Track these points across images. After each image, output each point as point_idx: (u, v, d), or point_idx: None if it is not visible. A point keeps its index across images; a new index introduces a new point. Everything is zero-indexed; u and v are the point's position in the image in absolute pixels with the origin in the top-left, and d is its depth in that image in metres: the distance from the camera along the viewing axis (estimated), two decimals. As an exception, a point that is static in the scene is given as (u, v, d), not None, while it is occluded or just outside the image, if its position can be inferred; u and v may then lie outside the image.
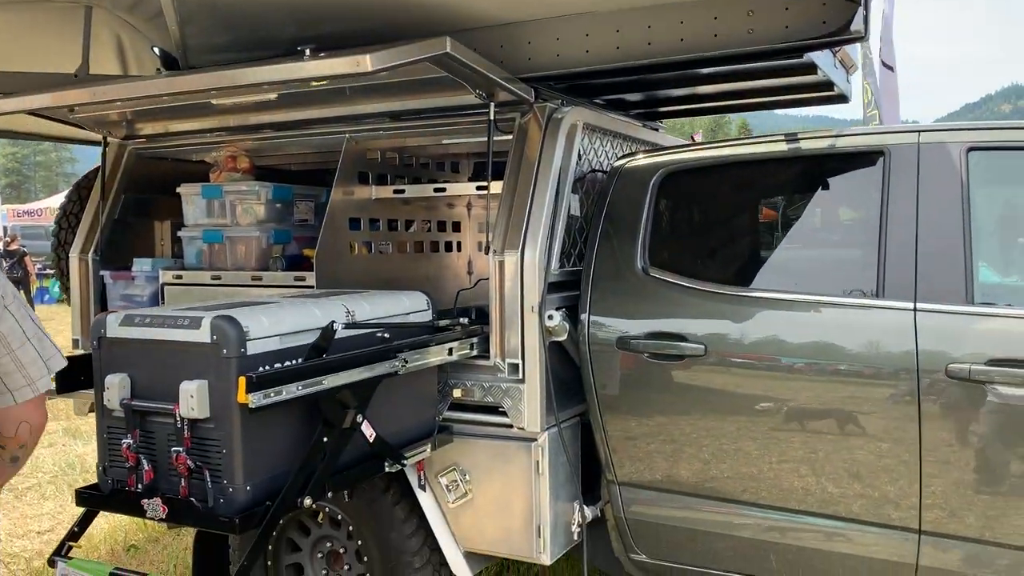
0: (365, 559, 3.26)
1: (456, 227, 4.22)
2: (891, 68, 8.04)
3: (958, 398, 2.50)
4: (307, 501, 2.40)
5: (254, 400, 2.16)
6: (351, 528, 3.28)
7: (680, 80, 3.57)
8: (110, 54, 3.76)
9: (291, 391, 2.28)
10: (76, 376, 2.55)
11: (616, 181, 3.15)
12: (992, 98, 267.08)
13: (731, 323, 2.81)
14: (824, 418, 2.68)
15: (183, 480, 2.29)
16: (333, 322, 2.46)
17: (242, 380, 2.14)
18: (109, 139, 3.94)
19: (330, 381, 2.41)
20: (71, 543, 2.46)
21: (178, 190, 3.81)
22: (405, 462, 2.78)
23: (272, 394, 2.22)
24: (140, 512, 2.33)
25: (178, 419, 2.27)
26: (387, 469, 2.74)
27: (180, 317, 2.34)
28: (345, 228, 3.54)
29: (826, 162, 2.90)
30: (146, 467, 2.34)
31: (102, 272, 3.86)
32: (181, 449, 2.28)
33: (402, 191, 3.66)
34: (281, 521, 3.42)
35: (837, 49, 3.56)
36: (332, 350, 2.52)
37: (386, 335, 2.67)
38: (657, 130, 4.36)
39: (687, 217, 3.24)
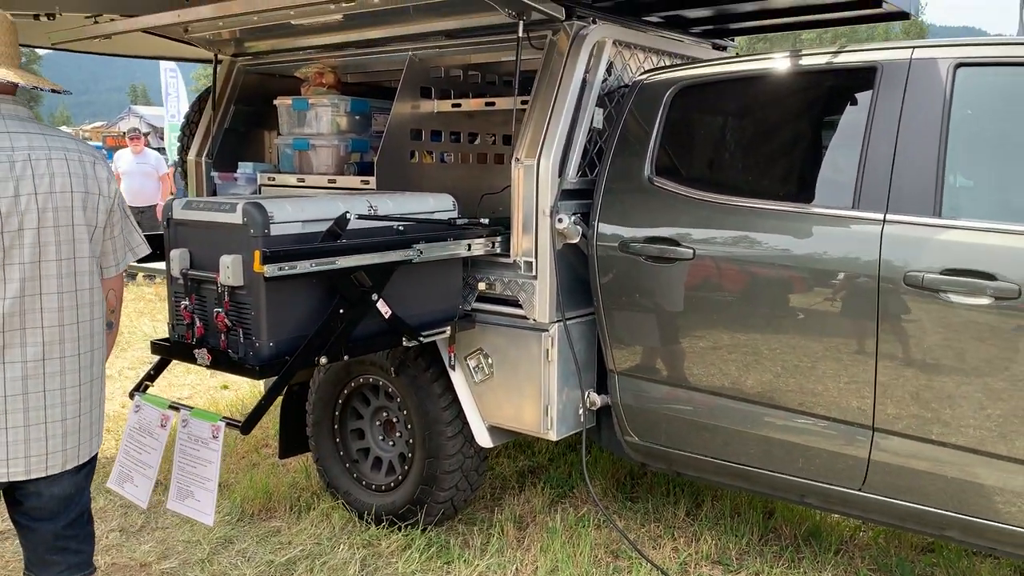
0: (409, 427, 3.76)
1: (507, 140, 4.53)
2: None
3: (912, 305, 2.62)
4: (323, 360, 2.89)
5: (268, 271, 2.63)
6: (399, 400, 3.78)
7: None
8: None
9: (304, 267, 2.74)
10: (153, 251, 3.11)
11: (634, 95, 3.36)
12: None
13: (716, 230, 3.02)
14: (792, 319, 2.86)
15: (223, 335, 2.83)
16: (346, 212, 2.89)
17: (257, 253, 2.62)
18: (220, 56, 4.51)
19: (344, 262, 2.86)
20: (147, 383, 3.07)
21: (274, 102, 4.35)
22: (421, 339, 3.21)
23: (286, 267, 2.69)
24: (193, 359, 2.90)
25: (218, 286, 2.79)
26: (404, 343, 3.18)
27: (224, 203, 2.84)
28: (406, 138, 3.95)
29: (823, 78, 2.99)
30: (198, 324, 2.90)
31: (212, 173, 4.49)
32: (221, 310, 2.80)
33: (458, 104, 4.02)
34: (345, 391, 4.00)
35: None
36: (354, 239, 2.96)
37: (400, 228, 3.08)
38: (724, 48, 4.45)
39: (693, 131, 3.40)
